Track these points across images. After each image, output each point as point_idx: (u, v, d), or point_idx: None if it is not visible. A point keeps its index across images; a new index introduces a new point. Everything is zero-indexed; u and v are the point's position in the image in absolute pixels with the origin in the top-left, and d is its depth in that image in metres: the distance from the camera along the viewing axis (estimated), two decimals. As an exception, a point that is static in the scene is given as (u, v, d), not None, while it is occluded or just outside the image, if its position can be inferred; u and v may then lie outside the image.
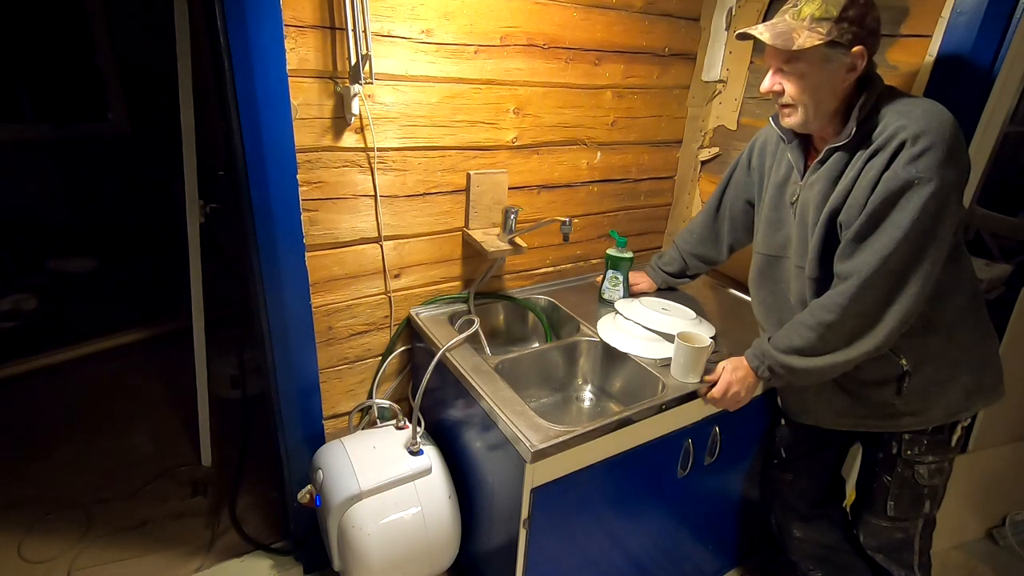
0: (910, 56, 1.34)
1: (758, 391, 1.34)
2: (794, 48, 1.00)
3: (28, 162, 3.34)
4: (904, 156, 0.98)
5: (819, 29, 0.99)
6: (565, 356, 1.52)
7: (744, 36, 1.06)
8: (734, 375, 1.24)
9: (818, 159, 1.13)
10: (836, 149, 1.10)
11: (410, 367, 1.63)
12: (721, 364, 1.27)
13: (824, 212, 1.11)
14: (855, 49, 1.01)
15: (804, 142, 1.20)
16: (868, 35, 1.02)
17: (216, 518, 1.88)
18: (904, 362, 1.14)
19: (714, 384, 1.26)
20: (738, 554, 1.76)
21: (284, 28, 1.13)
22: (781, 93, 1.09)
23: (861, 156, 1.06)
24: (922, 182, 0.97)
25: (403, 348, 1.59)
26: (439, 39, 1.33)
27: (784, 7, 1.06)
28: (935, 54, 1.29)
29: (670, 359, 1.32)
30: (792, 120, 1.11)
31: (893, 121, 1.02)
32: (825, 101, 1.07)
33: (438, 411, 1.50)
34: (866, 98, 1.05)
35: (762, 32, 1.03)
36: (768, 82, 1.10)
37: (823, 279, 1.15)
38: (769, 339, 1.20)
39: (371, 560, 1.29)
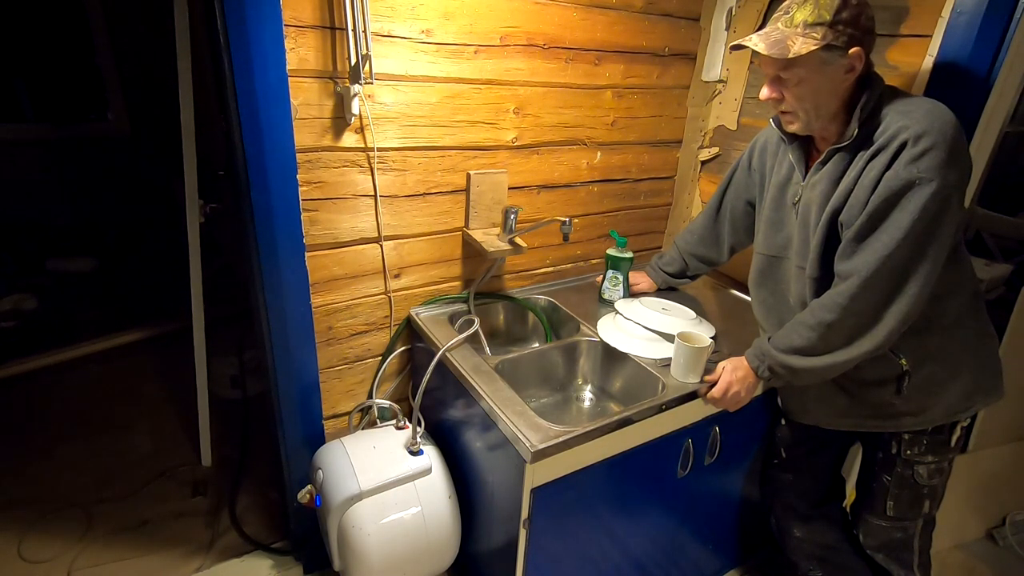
0: (910, 56, 1.34)
1: (758, 391, 1.34)
2: (790, 56, 1.00)
3: (28, 162, 3.34)
4: (905, 156, 0.98)
5: (813, 34, 0.99)
6: (565, 356, 1.52)
7: (739, 47, 1.07)
8: (734, 375, 1.24)
9: (820, 160, 1.13)
10: (838, 150, 1.10)
11: (410, 367, 1.63)
12: (721, 364, 1.27)
13: (826, 212, 1.11)
14: (852, 51, 1.01)
15: (805, 143, 1.20)
16: (864, 35, 1.01)
17: (216, 518, 1.88)
18: (904, 362, 1.14)
19: (714, 384, 1.26)
20: (738, 554, 1.76)
21: (284, 28, 1.13)
22: (780, 100, 1.09)
23: (863, 156, 1.06)
24: (923, 182, 0.97)
25: (403, 348, 1.59)
26: (439, 39, 1.33)
27: (776, 15, 1.06)
28: (935, 54, 1.29)
29: (670, 359, 1.32)
30: (794, 126, 1.12)
31: (895, 121, 1.02)
32: (825, 104, 1.07)
33: (438, 411, 1.50)
34: (867, 98, 1.05)
35: (756, 43, 1.03)
36: (766, 91, 1.10)
37: (824, 279, 1.15)
38: (769, 339, 1.20)
39: (371, 560, 1.29)
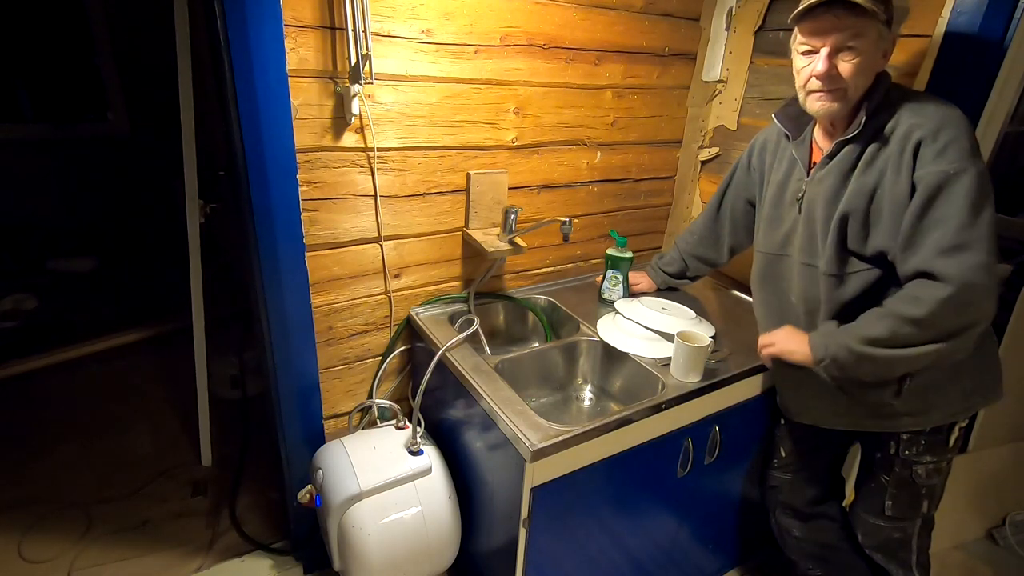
0: (910, 56, 1.35)
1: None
2: (878, 12, 0.98)
3: (28, 162, 3.34)
4: (928, 154, 0.99)
5: (879, 7, 0.99)
6: (565, 356, 1.52)
7: (817, 4, 1.00)
8: (787, 345, 1.20)
9: (827, 153, 1.13)
10: (847, 142, 1.10)
11: (410, 367, 1.63)
12: (780, 332, 1.23)
13: (840, 208, 1.10)
14: (891, 36, 1.04)
15: (807, 139, 1.21)
16: (892, 24, 1.04)
17: (216, 518, 1.88)
18: None
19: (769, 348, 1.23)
20: (738, 554, 1.76)
21: (284, 28, 1.13)
22: (836, 77, 1.05)
23: (875, 152, 1.06)
24: (959, 172, 0.98)
25: (403, 348, 1.59)
26: (439, 39, 1.33)
27: None
28: (935, 54, 1.29)
29: (670, 359, 1.32)
30: (834, 105, 1.07)
31: (907, 118, 1.03)
32: (865, 86, 1.06)
33: (438, 411, 1.50)
34: (874, 89, 1.06)
35: None
36: (824, 64, 1.04)
37: (840, 276, 1.14)
38: (839, 327, 1.14)
39: (371, 560, 1.29)
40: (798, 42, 1.09)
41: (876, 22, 1.00)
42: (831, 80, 1.06)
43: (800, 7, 1.03)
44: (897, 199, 1.04)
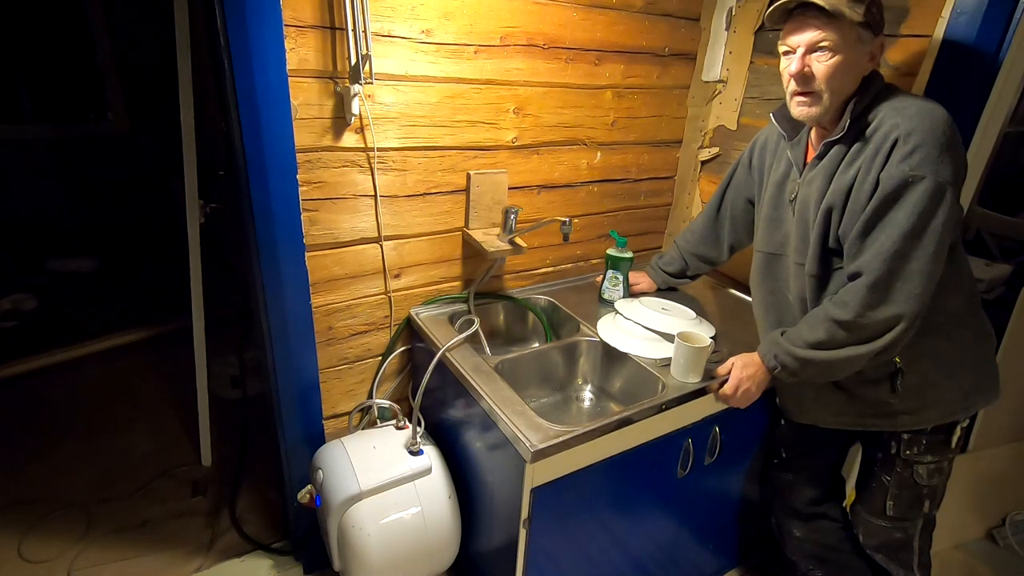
0: (910, 56, 1.35)
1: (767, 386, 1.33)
2: (847, 13, 0.98)
3: (28, 162, 3.35)
4: (897, 154, 1.00)
5: (857, 8, 0.99)
6: (565, 356, 1.52)
7: (792, 4, 1.02)
8: (744, 372, 1.24)
9: (816, 154, 1.14)
10: (833, 143, 1.11)
11: (410, 367, 1.63)
12: (730, 360, 1.27)
13: (821, 208, 1.12)
14: (877, 39, 1.04)
15: (803, 140, 1.21)
16: (881, 28, 1.04)
17: (216, 518, 1.88)
18: (897, 360, 1.15)
19: (725, 381, 1.26)
20: (738, 554, 1.76)
21: (284, 28, 1.13)
22: (809, 77, 1.05)
23: (858, 152, 1.07)
24: (916, 179, 0.99)
25: (403, 348, 1.59)
26: (439, 39, 1.33)
27: None
28: (935, 54, 1.29)
29: (670, 359, 1.32)
30: (812, 110, 1.08)
31: (889, 118, 1.03)
32: (845, 88, 1.07)
33: (438, 411, 1.50)
34: (862, 93, 1.07)
35: None
36: (797, 64, 1.05)
37: (822, 276, 1.15)
38: (783, 333, 1.20)
39: (371, 560, 1.29)
40: (780, 43, 1.10)
41: (852, 25, 1.00)
42: (804, 81, 1.07)
43: (771, 7, 1.05)
44: (861, 196, 1.05)
